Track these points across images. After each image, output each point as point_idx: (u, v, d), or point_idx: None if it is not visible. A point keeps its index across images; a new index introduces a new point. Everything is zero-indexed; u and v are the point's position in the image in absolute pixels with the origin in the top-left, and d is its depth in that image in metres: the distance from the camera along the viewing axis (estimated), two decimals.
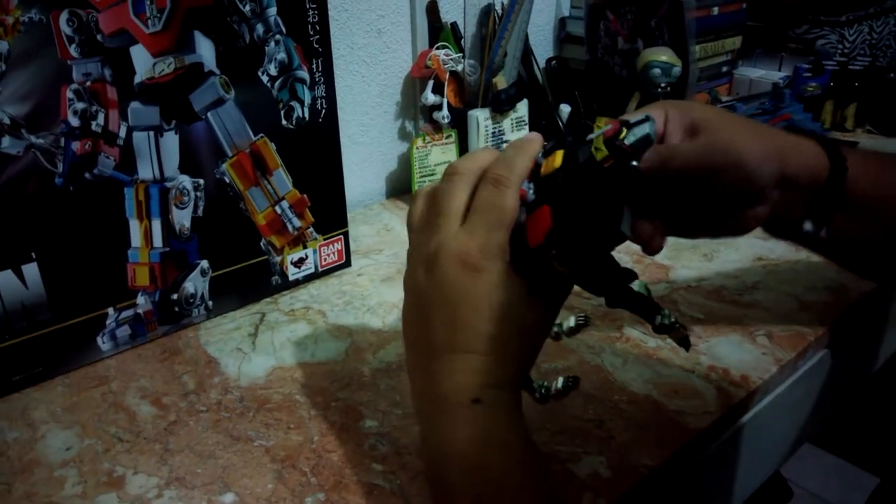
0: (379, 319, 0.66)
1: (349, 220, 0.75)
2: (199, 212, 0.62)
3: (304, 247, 0.71)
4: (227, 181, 0.63)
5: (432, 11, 0.94)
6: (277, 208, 0.67)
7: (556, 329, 0.61)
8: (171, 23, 0.56)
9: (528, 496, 0.36)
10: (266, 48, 0.62)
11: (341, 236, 0.74)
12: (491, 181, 0.41)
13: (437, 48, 0.89)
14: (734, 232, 0.48)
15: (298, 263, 0.71)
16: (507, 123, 0.92)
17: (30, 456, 0.51)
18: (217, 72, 0.60)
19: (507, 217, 0.40)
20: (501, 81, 0.90)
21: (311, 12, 0.64)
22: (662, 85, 0.94)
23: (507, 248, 0.40)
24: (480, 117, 0.89)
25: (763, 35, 1.23)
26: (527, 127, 0.95)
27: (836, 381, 0.69)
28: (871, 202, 0.47)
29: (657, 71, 0.93)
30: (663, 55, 0.94)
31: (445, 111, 0.89)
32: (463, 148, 0.92)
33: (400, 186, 1.00)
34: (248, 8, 0.60)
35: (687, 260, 0.74)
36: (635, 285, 0.41)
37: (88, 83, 0.54)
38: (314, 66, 0.66)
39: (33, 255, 0.55)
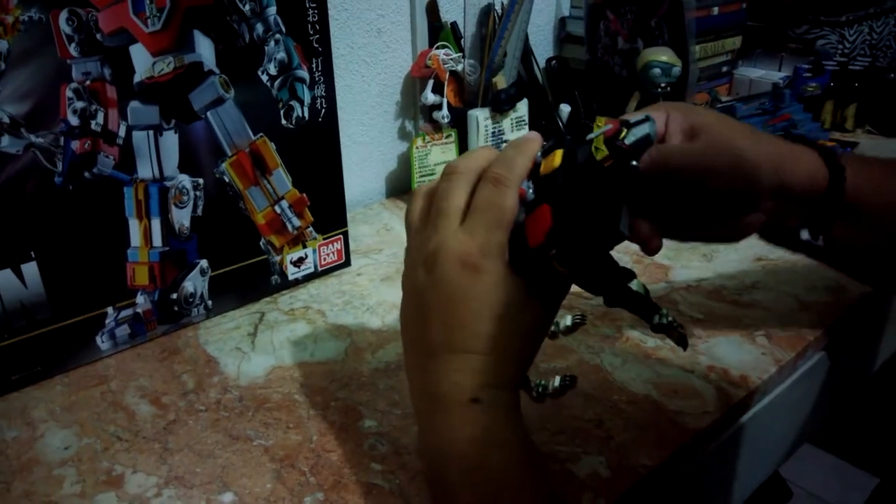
0: (378, 319, 0.66)
1: (349, 220, 0.75)
2: (199, 211, 0.62)
3: (304, 246, 0.71)
4: (227, 180, 0.63)
5: (432, 11, 0.94)
6: (277, 208, 0.67)
7: (553, 328, 0.61)
8: (171, 22, 0.56)
9: (527, 496, 0.36)
10: (266, 47, 0.62)
11: (341, 236, 0.74)
12: (491, 180, 0.41)
13: (437, 48, 0.89)
14: (728, 238, 0.48)
15: (298, 263, 0.71)
16: (506, 123, 0.92)
17: (29, 455, 0.51)
18: (217, 71, 0.60)
19: (507, 216, 0.40)
20: (501, 81, 0.90)
21: (310, 12, 0.64)
22: (662, 85, 0.94)
23: (506, 248, 0.40)
24: (480, 117, 0.89)
25: (763, 35, 1.23)
26: (526, 127, 0.95)
27: (835, 382, 0.69)
28: (873, 209, 0.47)
29: (657, 71, 0.93)
30: (663, 55, 0.94)
31: (445, 111, 0.89)
32: (463, 147, 0.92)
33: (400, 186, 1.00)
34: (247, 7, 0.60)
35: (686, 260, 0.74)
36: (633, 285, 0.41)
37: (88, 82, 0.54)
38: (314, 65, 0.66)
39: (33, 254, 0.55)
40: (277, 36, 0.62)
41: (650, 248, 0.43)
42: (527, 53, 0.97)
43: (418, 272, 0.41)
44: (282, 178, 0.67)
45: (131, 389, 0.57)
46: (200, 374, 0.59)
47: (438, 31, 0.93)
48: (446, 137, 0.91)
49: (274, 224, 0.68)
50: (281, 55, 0.63)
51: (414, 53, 0.95)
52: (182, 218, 0.62)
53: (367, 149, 0.95)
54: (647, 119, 0.38)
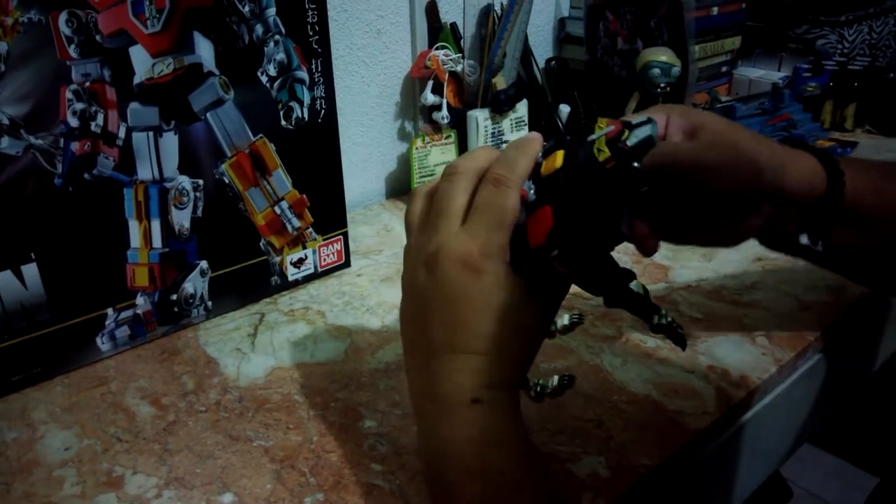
0: (378, 320, 0.66)
1: (348, 221, 0.75)
2: (199, 212, 0.62)
3: (304, 247, 0.71)
4: (227, 182, 0.63)
5: (432, 12, 0.94)
6: (277, 209, 0.67)
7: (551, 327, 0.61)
8: (171, 23, 0.56)
9: (527, 496, 0.36)
10: (265, 49, 0.62)
11: (341, 237, 0.74)
12: (492, 181, 0.41)
13: (437, 48, 0.89)
14: (726, 242, 0.48)
15: (298, 264, 0.71)
16: (506, 124, 0.92)
17: (29, 456, 0.51)
18: (216, 72, 0.60)
19: (509, 217, 0.40)
20: (501, 82, 0.90)
21: (310, 13, 0.64)
22: (662, 85, 0.94)
23: (507, 249, 0.40)
24: (480, 118, 0.89)
25: (763, 35, 1.23)
26: (526, 127, 0.95)
27: (835, 381, 0.69)
28: (872, 213, 0.47)
29: (657, 71, 0.93)
30: (663, 55, 0.94)
31: (445, 111, 0.89)
32: (462, 148, 0.92)
33: (399, 187, 1.00)
34: (247, 8, 0.60)
35: (686, 260, 0.74)
36: (633, 285, 0.41)
37: (87, 84, 0.54)
38: (313, 66, 0.66)
39: (33, 255, 0.55)
40: (277, 37, 0.62)
41: (647, 249, 0.43)
42: (526, 54, 0.97)
43: (419, 272, 0.41)
44: (281, 179, 0.67)
45: (131, 390, 0.57)
46: (200, 374, 0.59)
47: (438, 31, 0.93)
48: (446, 138, 0.91)
49: (274, 225, 0.68)
50: (280, 56, 0.63)
51: (413, 54, 0.95)
52: (182, 219, 0.62)
53: (367, 149, 0.95)
54: (649, 121, 0.38)
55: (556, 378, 0.54)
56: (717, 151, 0.43)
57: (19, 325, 0.56)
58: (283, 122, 0.65)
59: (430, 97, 0.90)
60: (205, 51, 0.58)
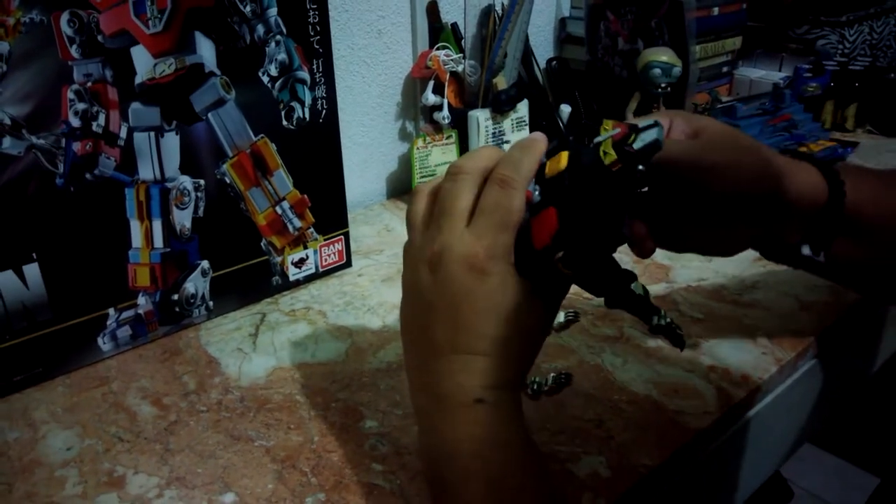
0: (379, 320, 0.66)
1: (350, 221, 0.75)
2: (200, 212, 0.62)
3: (305, 247, 0.71)
4: (228, 181, 0.63)
5: (432, 12, 0.94)
6: (278, 209, 0.67)
7: None
8: (172, 23, 0.56)
9: (528, 496, 0.36)
10: (266, 49, 0.62)
11: (342, 237, 0.74)
12: (498, 182, 0.40)
13: (438, 49, 0.89)
14: (723, 250, 0.48)
15: (299, 264, 0.71)
16: (507, 124, 0.92)
17: (30, 456, 0.51)
18: (218, 72, 0.60)
19: (514, 219, 0.40)
20: (502, 82, 0.90)
21: (311, 13, 0.64)
22: (663, 85, 0.94)
23: (512, 250, 0.40)
24: (481, 118, 0.89)
25: (763, 35, 1.23)
26: (527, 127, 0.95)
27: (835, 381, 0.69)
28: (873, 223, 0.47)
29: (657, 71, 0.93)
30: (663, 55, 0.94)
31: (446, 112, 0.89)
32: (463, 148, 0.92)
33: (400, 187, 1.00)
34: (248, 8, 0.60)
35: (687, 260, 0.74)
36: (634, 286, 0.41)
37: (89, 84, 0.54)
38: (315, 66, 0.66)
39: (34, 255, 0.55)
40: (278, 37, 0.62)
41: (644, 250, 0.43)
42: (527, 54, 0.97)
43: (421, 272, 0.41)
44: (283, 179, 0.67)
45: (133, 390, 0.57)
46: (202, 374, 0.59)
47: (439, 32, 0.93)
48: (447, 138, 0.91)
49: (275, 225, 0.68)
50: (282, 56, 0.63)
51: (414, 54, 0.95)
52: (183, 219, 0.62)
53: (368, 150, 0.96)
54: (655, 124, 0.38)
55: (551, 376, 0.55)
56: (719, 152, 0.43)
57: (21, 325, 0.56)
58: (285, 122, 0.65)
59: (431, 97, 0.90)
60: (206, 51, 0.59)
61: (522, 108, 0.94)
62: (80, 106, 0.54)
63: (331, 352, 0.62)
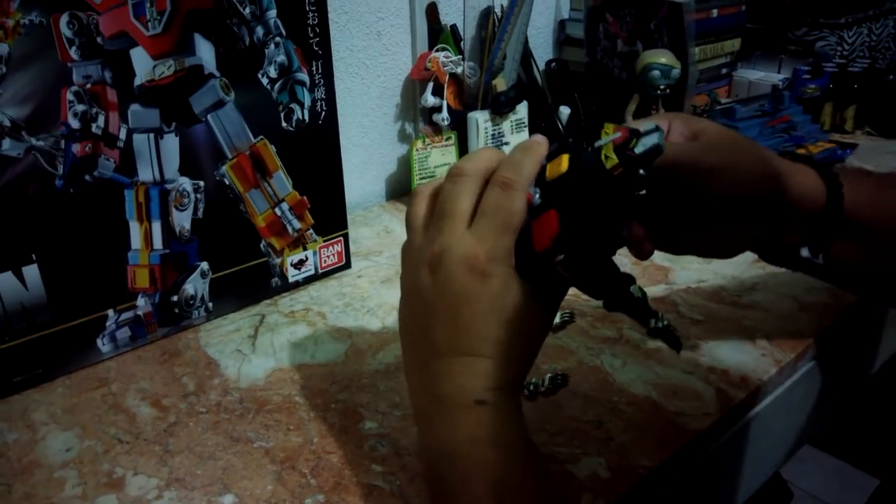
0: (378, 321, 0.66)
1: (349, 222, 0.75)
2: (199, 214, 0.62)
3: (304, 249, 0.71)
4: (227, 183, 0.63)
5: (432, 14, 0.94)
6: (277, 210, 0.67)
7: None
8: (172, 25, 0.56)
9: (528, 497, 0.36)
10: (266, 50, 0.62)
11: (341, 238, 0.74)
12: (499, 184, 0.40)
13: (437, 50, 0.89)
14: (723, 251, 0.48)
15: (298, 265, 0.71)
16: (506, 125, 0.92)
17: (30, 457, 0.51)
18: (217, 74, 0.60)
19: (515, 221, 0.40)
20: (501, 83, 0.90)
21: (310, 15, 0.64)
22: (662, 87, 0.94)
23: (512, 253, 0.40)
24: (480, 119, 0.89)
25: (762, 37, 1.23)
26: (526, 129, 0.95)
27: (835, 382, 0.69)
28: (872, 225, 0.47)
29: (656, 73, 0.93)
30: (662, 57, 0.94)
31: (445, 113, 0.89)
32: (463, 150, 0.92)
33: (400, 188, 1.00)
34: (247, 10, 0.60)
35: (686, 261, 0.74)
36: (632, 289, 0.41)
37: (88, 85, 0.54)
38: (314, 68, 0.66)
39: (33, 256, 0.55)
40: (277, 39, 0.62)
41: (643, 253, 0.43)
42: (526, 56, 0.97)
43: (421, 273, 0.41)
44: (282, 181, 0.67)
45: (132, 392, 0.57)
46: (201, 376, 0.59)
47: (438, 33, 0.93)
48: (446, 140, 0.91)
49: (274, 226, 0.68)
50: (281, 58, 0.63)
51: (414, 56, 0.95)
52: (183, 220, 0.62)
53: (367, 151, 0.96)
54: (656, 129, 0.38)
55: (548, 377, 0.55)
56: (718, 154, 0.43)
57: (20, 327, 0.56)
58: (284, 124, 0.65)
59: (430, 99, 0.90)
60: (206, 53, 0.59)
61: (522, 109, 0.94)
62: (80, 107, 0.54)
63: (330, 353, 0.62)
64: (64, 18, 0.52)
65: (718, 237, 0.47)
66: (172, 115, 0.59)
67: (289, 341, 0.63)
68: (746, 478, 0.61)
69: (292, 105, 0.65)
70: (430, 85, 0.90)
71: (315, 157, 0.68)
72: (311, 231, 0.71)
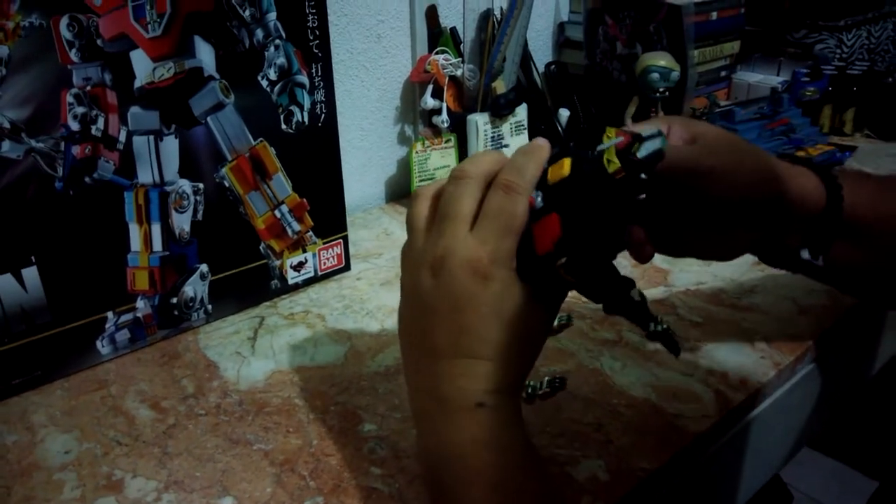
0: (378, 323, 0.66)
1: (348, 224, 0.75)
2: (199, 216, 0.62)
3: (304, 251, 0.71)
4: (227, 185, 0.63)
5: (431, 16, 0.94)
6: (277, 212, 0.67)
7: None
8: (171, 28, 0.56)
9: (527, 499, 0.36)
10: (266, 53, 0.62)
11: (341, 240, 0.74)
12: (502, 187, 0.40)
13: (437, 53, 0.90)
14: (722, 254, 0.48)
15: (298, 267, 0.71)
16: (506, 128, 0.92)
17: (29, 459, 0.51)
18: (217, 76, 0.60)
19: (518, 224, 0.40)
20: (500, 86, 0.90)
21: (310, 17, 0.64)
22: (661, 90, 0.94)
23: (514, 255, 0.40)
24: (480, 122, 0.90)
25: (761, 40, 1.23)
26: (526, 132, 0.95)
27: (834, 385, 0.69)
28: (871, 227, 0.47)
29: (656, 76, 0.93)
30: (662, 60, 0.94)
31: (445, 115, 0.89)
32: (462, 152, 0.92)
33: (399, 191, 1.00)
34: (247, 13, 0.60)
35: (686, 264, 0.74)
36: (632, 293, 0.41)
37: (88, 87, 0.54)
38: (314, 70, 0.66)
39: (33, 258, 0.55)
40: (277, 41, 0.62)
41: (643, 256, 0.43)
42: (526, 58, 0.98)
43: (423, 275, 0.41)
44: (282, 183, 0.67)
45: (131, 394, 0.57)
46: (200, 378, 0.59)
47: (438, 36, 0.93)
48: (446, 142, 0.91)
49: (274, 229, 0.68)
50: (281, 60, 0.63)
51: (413, 58, 0.95)
52: (182, 223, 0.62)
53: (367, 153, 0.96)
54: (659, 133, 0.38)
55: (546, 380, 0.55)
56: (717, 156, 0.43)
57: (19, 329, 0.56)
58: (284, 126, 0.65)
59: (429, 101, 0.90)
60: (205, 55, 0.59)
61: (521, 112, 0.94)
62: (80, 109, 0.54)
63: (329, 355, 0.62)
64: (64, 21, 0.52)
65: (718, 240, 0.47)
66: (172, 118, 0.59)
67: (288, 343, 0.63)
68: (746, 480, 0.61)
69: (292, 107, 0.65)
70: (430, 87, 0.90)
71: (315, 159, 0.68)
72: (310, 233, 0.71)
